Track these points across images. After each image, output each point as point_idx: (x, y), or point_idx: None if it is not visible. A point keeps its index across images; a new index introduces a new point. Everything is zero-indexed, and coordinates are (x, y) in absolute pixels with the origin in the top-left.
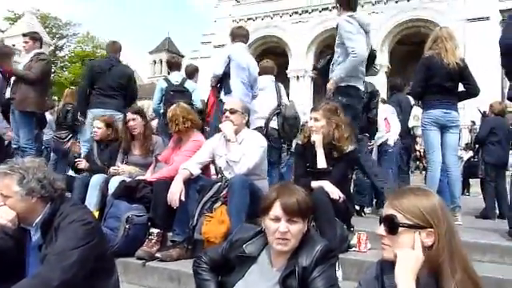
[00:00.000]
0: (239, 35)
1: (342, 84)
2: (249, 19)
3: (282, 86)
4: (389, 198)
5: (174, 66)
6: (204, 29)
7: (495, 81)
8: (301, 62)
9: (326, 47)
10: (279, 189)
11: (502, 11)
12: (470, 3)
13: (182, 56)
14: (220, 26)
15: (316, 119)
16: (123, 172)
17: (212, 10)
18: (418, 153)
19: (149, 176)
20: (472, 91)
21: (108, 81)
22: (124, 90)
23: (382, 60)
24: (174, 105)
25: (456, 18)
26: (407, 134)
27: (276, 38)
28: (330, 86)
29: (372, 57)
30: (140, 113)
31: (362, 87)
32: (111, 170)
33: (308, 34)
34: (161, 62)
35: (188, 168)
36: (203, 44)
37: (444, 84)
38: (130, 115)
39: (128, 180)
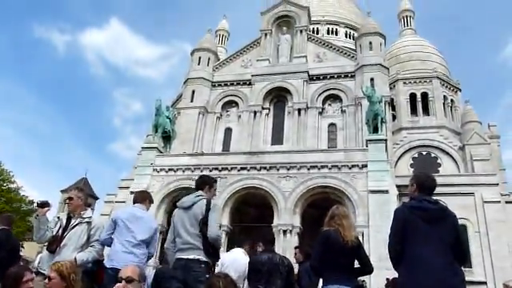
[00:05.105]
0: (139, 198)
1: None
2: (170, 169)
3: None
4: None
5: None
6: (123, 173)
7: None
8: None
9: (242, 203)
10: None
11: (397, 186)
12: (371, 177)
13: (97, 198)
14: (140, 173)
15: None
16: None
17: (132, 156)
18: None
19: None
20: (366, 269)
21: (2, 252)
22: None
23: (295, 222)
24: (59, 262)
25: (360, 188)
26: None
27: (194, 190)
28: None
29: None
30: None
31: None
32: None
33: (226, 189)
34: None
35: None
36: (120, 189)
37: (341, 260)
38: (29, 275)
39: None
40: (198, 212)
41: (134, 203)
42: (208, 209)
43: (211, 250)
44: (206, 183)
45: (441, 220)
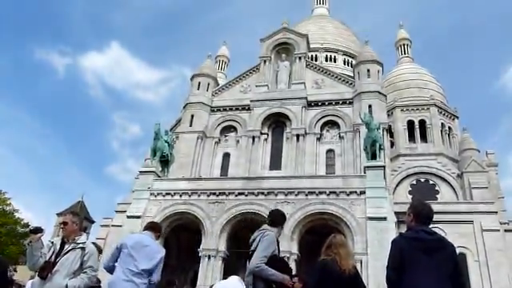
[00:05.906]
0: (150, 227)
1: None
2: (167, 194)
3: None
4: None
5: None
6: (119, 196)
7: None
8: (213, 242)
9: (240, 229)
10: None
11: (396, 213)
12: (369, 204)
13: (93, 221)
14: (137, 197)
15: None
16: None
17: (129, 179)
18: None
19: None
20: None
21: None
22: None
23: (292, 248)
24: None
25: (358, 215)
26: None
27: (192, 215)
28: None
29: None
30: None
31: None
32: None
33: (224, 215)
34: None
35: None
36: (117, 212)
37: None
38: None
39: None
40: (254, 247)
41: (144, 230)
42: (259, 241)
43: (257, 282)
44: (281, 218)
45: (439, 250)
